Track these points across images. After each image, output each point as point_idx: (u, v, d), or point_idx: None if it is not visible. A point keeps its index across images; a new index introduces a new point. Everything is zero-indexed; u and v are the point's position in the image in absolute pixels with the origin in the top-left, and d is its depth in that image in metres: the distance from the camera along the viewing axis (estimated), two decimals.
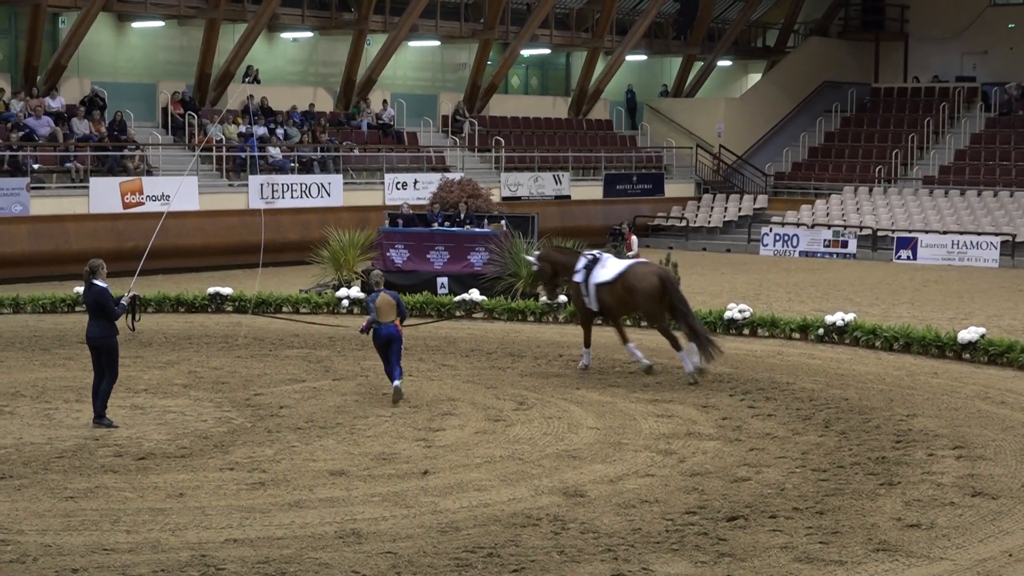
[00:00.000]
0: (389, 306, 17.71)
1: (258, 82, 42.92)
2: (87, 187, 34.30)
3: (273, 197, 37.84)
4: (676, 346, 19.55)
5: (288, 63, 45.54)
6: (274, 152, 39.67)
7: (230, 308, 26.91)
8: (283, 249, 36.07)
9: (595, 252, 20.90)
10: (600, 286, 20.00)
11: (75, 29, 37.28)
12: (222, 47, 41.11)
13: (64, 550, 11.24)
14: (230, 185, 38.24)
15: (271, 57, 44.62)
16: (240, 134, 39.69)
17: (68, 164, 35.26)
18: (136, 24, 41.02)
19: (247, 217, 36.75)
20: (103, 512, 12.37)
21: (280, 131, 40.81)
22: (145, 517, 12.21)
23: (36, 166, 34.45)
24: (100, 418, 16.14)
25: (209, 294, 26.98)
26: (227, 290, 27.04)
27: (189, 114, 39.25)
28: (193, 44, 41.32)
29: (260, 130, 40.18)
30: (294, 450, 14.98)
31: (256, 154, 39.07)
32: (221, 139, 39.17)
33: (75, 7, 37.55)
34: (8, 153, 33.84)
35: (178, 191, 32.69)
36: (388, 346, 17.64)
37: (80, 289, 16.43)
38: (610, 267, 20.14)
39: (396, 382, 17.59)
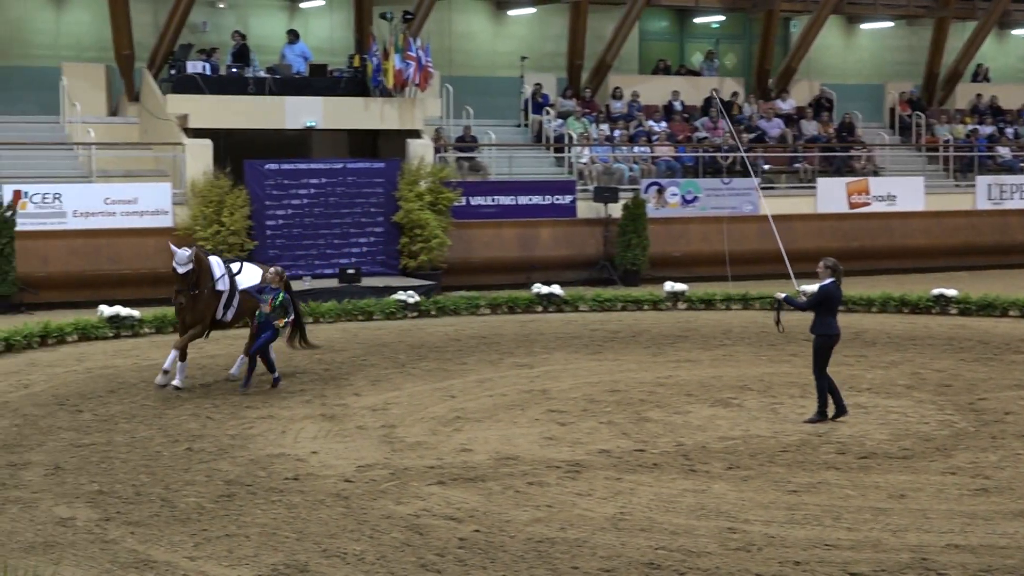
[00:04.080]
0: None
1: (988, 80, 42.02)
2: (814, 187, 34.91)
3: (1000, 198, 36.86)
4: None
5: (1018, 60, 44.12)
6: (1003, 152, 38.62)
7: (954, 311, 26.55)
8: (1010, 251, 35.24)
9: (226, 257, 19.74)
10: (244, 292, 18.92)
11: (806, 32, 38.10)
12: (950, 46, 40.55)
13: (787, 542, 11.59)
14: (956, 186, 37.62)
15: (1001, 55, 43.44)
16: (968, 133, 38.97)
17: (796, 165, 36.06)
18: (865, 25, 41.30)
19: (974, 218, 36.12)
20: (825, 508, 12.62)
21: (1010, 130, 39.67)
22: (866, 516, 12.35)
23: (766, 167, 35.50)
24: (840, 411, 16.56)
25: (933, 295, 26.76)
26: (951, 291, 26.72)
27: (916, 114, 39.03)
28: (921, 44, 41.04)
29: (988, 129, 39.27)
30: (1019, 457, 14.59)
31: (984, 154, 38.24)
32: (948, 139, 38.65)
33: (806, 11, 38.39)
34: (740, 154, 35.09)
35: (902, 192, 32.63)
36: None
37: (814, 287, 16.71)
38: (248, 272, 19.20)
39: None
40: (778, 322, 17.01)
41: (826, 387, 16.48)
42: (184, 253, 18.29)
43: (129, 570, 10.77)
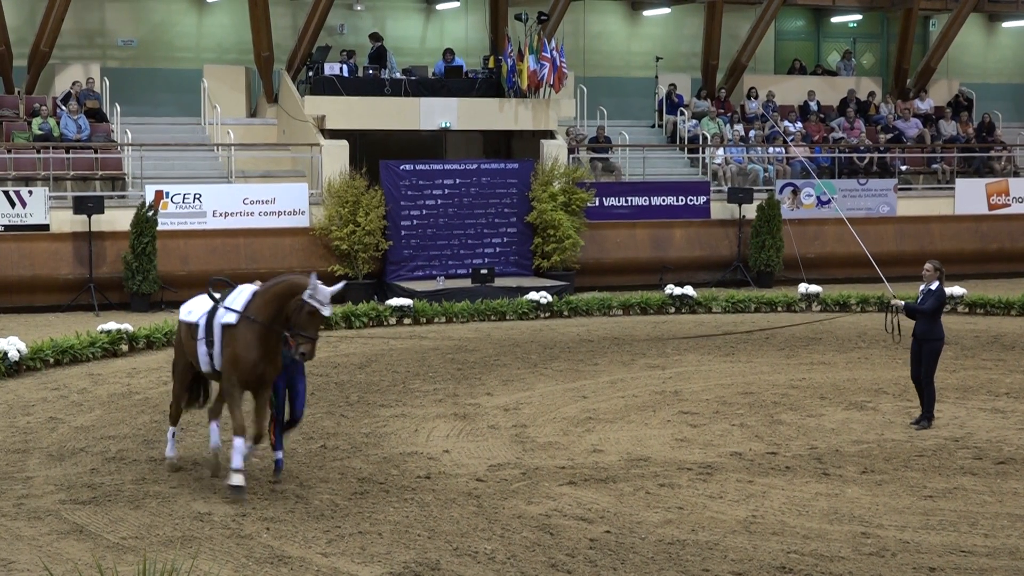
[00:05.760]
0: None
1: None
2: (953, 188, 34.37)
3: None
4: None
5: None
6: None
7: None
8: None
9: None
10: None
11: (945, 31, 37.51)
12: None
13: (922, 548, 11.45)
14: None
15: None
16: None
17: (934, 166, 35.52)
18: (1007, 24, 40.55)
19: None
20: (961, 513, 12.46)
21: None
22: (1003, 522, 12.18)
23: (903, 167, 35.03)
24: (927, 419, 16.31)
25: None
26: None
27: None
28: None
29: None
30: None
31: None
32: None
33: (946, 9, 37.80)
34: (876, 155, 34.67)
35: None
36: None
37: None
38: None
39: None
40: (895, 329, 16.71)
41: (934, 392, 16.38)
42: (328, 290, 12.98)
43: (264, 565, 10.96)
